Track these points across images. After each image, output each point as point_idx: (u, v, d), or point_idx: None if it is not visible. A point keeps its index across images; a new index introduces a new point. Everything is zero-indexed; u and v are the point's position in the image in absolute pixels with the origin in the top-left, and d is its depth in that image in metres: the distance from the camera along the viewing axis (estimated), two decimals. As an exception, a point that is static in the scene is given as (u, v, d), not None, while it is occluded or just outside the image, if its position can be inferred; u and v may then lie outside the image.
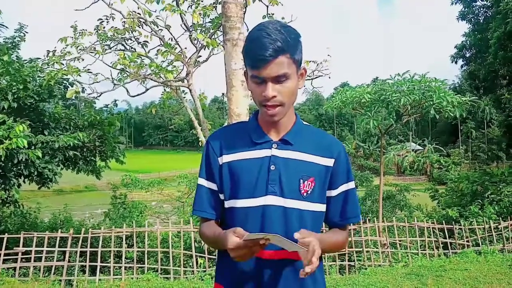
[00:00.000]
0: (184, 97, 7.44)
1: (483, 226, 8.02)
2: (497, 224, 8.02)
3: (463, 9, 19.53)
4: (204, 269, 6.73)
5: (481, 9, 19.53)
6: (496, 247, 7.63)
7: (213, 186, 1.48)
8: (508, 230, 8.01)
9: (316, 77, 7.41)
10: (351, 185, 1.51)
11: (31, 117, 8.34)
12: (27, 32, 9.70)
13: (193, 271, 6.74)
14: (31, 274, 6.46)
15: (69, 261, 6.68)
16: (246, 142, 1.46)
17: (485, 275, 6.10)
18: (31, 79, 8.22)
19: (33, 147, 7.64)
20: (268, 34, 1.32)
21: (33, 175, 8.75)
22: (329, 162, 1.46)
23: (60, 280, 6.43)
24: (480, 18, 19.52)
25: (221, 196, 1.49)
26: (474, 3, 19.49)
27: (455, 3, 19.56)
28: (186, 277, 6.65)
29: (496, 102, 20.62)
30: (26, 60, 9.26)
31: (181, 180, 14.39)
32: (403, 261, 7.16)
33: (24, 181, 9.08)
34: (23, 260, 6.68)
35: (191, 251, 6.85)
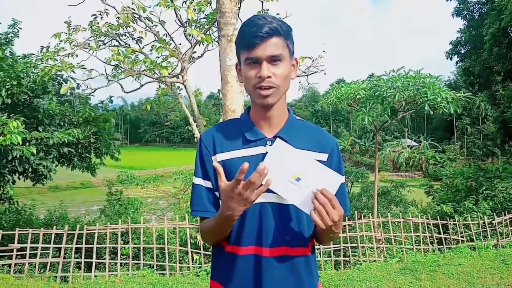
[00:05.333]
0: (179, 93, 7.42)
1: (477, 222, 8.06)
2: (491, 220, 8.06)
3: (458, 6, 19.58)
4: (200, 265, 6.74)
5: (476, 5, 19.59)
6: (490, 243, 7.67)
7: (209, 185, 1.47)
8: (502, 226, 8.06)
9: (312, 73, 7.42)
10: (342, 180, 1.51)
11: (25, 113, 8.29)
12: (21, 28, 9.63)
13: (188, 267, 6.75)
14: (26, 271, 6.44)
15: (64, 258, 6.67)
16: (240, 140, 1.46)
17: (479, 270, 6.13)
18: (25, 75, 8.18)
19: (27, 144, 7.61)
20: (263, 17, 1.37)
21: (28, 172, 8.73)
22: (323, 157, 1.46)
23: (56, 277, 6.42)
24: (475, 15, 19.58)
25: (217, 194, 1.48)
26: (469, 0, 19.54)
27: (450, 0, 19.57)
28: (182, 273, 6.65)
29: (491, 98, 20.74)
30: (19, 56, 9.20)
31: (177, 177, 14.37)
32: (397, 257, 7.19)
33: (18, 178, 9.05)
34: (18, 256, 6.66)
35: (187, 247, 6.86)
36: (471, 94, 10.31)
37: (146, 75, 6.52)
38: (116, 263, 6.71)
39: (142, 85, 6.93)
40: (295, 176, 1.31)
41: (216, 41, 5.40)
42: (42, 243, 6.70)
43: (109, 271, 6.61)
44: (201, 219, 1.51)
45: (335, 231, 1.38)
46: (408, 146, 49.13)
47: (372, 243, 7.40)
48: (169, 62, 7.05)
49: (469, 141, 51.01)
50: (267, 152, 1.41)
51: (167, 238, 6.99)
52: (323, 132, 1.55)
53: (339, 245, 7.15)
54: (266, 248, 1.40)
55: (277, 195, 1.35)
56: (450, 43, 20.71)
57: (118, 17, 6.63)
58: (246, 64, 1.38)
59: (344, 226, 7.31)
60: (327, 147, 1.48)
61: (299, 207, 1.33)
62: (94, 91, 6.95)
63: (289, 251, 1.42)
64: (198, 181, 1.49)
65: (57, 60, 6.78)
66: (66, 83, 8.74)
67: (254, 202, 1.28)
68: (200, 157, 1.49)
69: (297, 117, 1.55)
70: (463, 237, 7.91)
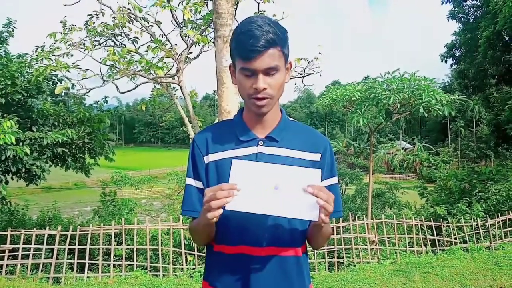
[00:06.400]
0: (175, 94, 7.41)
1: (471, 224, 8.10)
2: (484, 222, 8.10)
3: (453, 9, 19.70)
4: (194, 266, 6.72)
5: (471, 8, 19.71)
6: (483, 244, 7.71)
7: (201, 185, 1.48)
8: (495, 228, 8.11)
9: (307, 75, 7.44)
10: (334, 180, 1.51)
11: (19, 113, 8.25)
12: (15, 28, 9.58)
13: (182, 268, 6.73)
14: (18, 272, 6.39)
15: (57, 259, 6.62)
16: (232, 140, 1.47)
17: (472, 272, 6.17)
18: (19, 74, 8.13)
19: (21, 144, 7.56)
20: (260, 26, 1.34)
21: (21, 172, 8.67)
22: (316, 157, 1.47)
23: (48, 278, 6.38)
24: (470, 18, 19.69)
25: None
26: (464, 3, 19.66)
27: (446, 3, 19.70)
28: (175, 275, 6.63)
29: (485, 101, 20.86)
30: (14, 55, 9.14)
31: (172, 178, 14.35)
32: (391, 258, 7.21)
33: (12, 178, 8.99)
34: (10, 257, 6.61)
35: (181, 249, 6.84)
36: (465, 96, 10.37)
37: (141, 76, 6.51)
38: (109, 264, 6.68)
39: (138, 86, 6.92)
40: (271, 187, 1.27)
41: (212, 42, 5.40)
42: (35, 244, 6.65)
43: (102, 272, 6.58)
44: (192, 219, 1.52)
45: (328, 229, 1.45)
46: (403, 148, 49.22)
47: (366, 245, 7.41)
48: (165, 62, 7.06)
49: (463, 143, 51.25)
50: (259, 152, 1.42)
51: (161, 239, 6.97)
52: (316, 133, 1.56)
53: (333, 247, 7.16)
54: (255, 247, 1.40)
55: None
56: (445, 46, 20.83)
57: (114, 17, 6.62)
58: (242, 74, 1.38)
59: (338, 227, 7.32)
60: (319, 147, 1.49)
61: (300, 218, 1.28)
62: (89, 91, 6.93)
63: (279, 251, 1.42)
64: (189, 181, 1.50)
65: (52, 60, 6.76)
66: (61, 83, 8.71)
67: (214, 216, 1.25)
68: (192, 158, 1.50)
69: (290, 118, 1.56)
70: (456, 239, 7.94)
